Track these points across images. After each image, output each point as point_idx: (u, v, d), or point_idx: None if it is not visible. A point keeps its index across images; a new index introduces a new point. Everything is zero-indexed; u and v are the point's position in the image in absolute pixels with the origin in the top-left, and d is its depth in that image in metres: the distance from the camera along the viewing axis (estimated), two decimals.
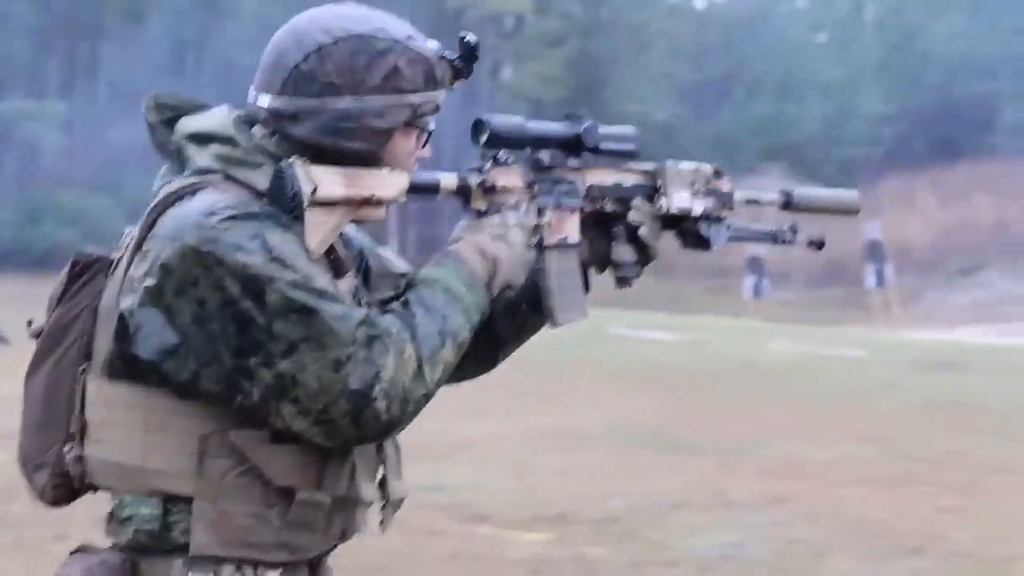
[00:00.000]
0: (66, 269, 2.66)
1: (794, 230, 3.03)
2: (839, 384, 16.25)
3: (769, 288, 30.64)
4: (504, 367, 3.00)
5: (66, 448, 2.61)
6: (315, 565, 2.65)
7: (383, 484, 2.67)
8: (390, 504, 2.69)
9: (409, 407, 2.48)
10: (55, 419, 2.63)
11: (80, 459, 2.60)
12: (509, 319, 2.87)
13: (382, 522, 2.71)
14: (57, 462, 2.62)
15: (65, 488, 2.64)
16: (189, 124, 2.63)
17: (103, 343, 2.58)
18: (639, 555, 8.05)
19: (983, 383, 16.55)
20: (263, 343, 2.44)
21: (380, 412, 2.45)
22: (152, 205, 2.57)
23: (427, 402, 2.53)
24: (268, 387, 2.45)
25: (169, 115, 2.67)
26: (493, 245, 2.68)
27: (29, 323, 2.70)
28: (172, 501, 2.54)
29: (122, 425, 2.56)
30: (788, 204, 3.04)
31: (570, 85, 44.39)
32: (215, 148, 2.58)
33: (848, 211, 3.10)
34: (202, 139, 2.61)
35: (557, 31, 46.64)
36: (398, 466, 2.72)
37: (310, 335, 2.43)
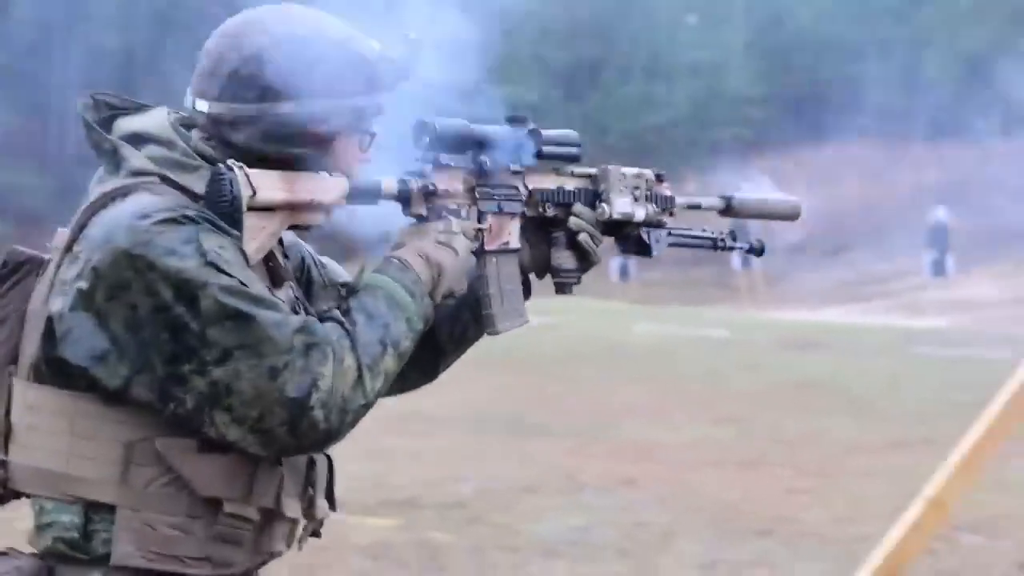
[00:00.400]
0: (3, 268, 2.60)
1: (733, 236, 3.00)
2: (701, 365, 16.24)
3: (636, 270, 30.71)
4: None
5: None
6: None
7: (310, 502, 2.59)
8: (311, 523, 2.62)
9: (348, 416, 2.43)
10: None
11: (4, 464, 2.53)
12: (450, 328, 2.82)
13: (299, 540, 2.64)
14: None
15: None
16: (127, 124, 2.57)
17: (30, 346, 2.51)
18: (484, 540, 7.96)
19: (844, 363, 16.62)
20: (197, 350, 2.38)
21: (318, 421, 2.40)
22: (85, 206, 2.51)
23: (366, 412, 2.47)
24: (202, 395, 2.39)
25: (107, 114, 2.60)
26: (437, 252, 2.62)
27: None
28: (94, 509, 2.48)
29: (47, 430, 2.49)
30: (728, 210, 3.01)
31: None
32: (152, 149, 2.52)
33: (787, 217, 3.06)
34: (139, 140, 2.54)
35: None
36: (326, 484, 2.64)
37: (245, 342, 2.38)
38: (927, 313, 26.36)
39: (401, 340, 2.52)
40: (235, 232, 2.43)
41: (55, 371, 2.47)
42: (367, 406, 2.46)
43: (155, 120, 2.57)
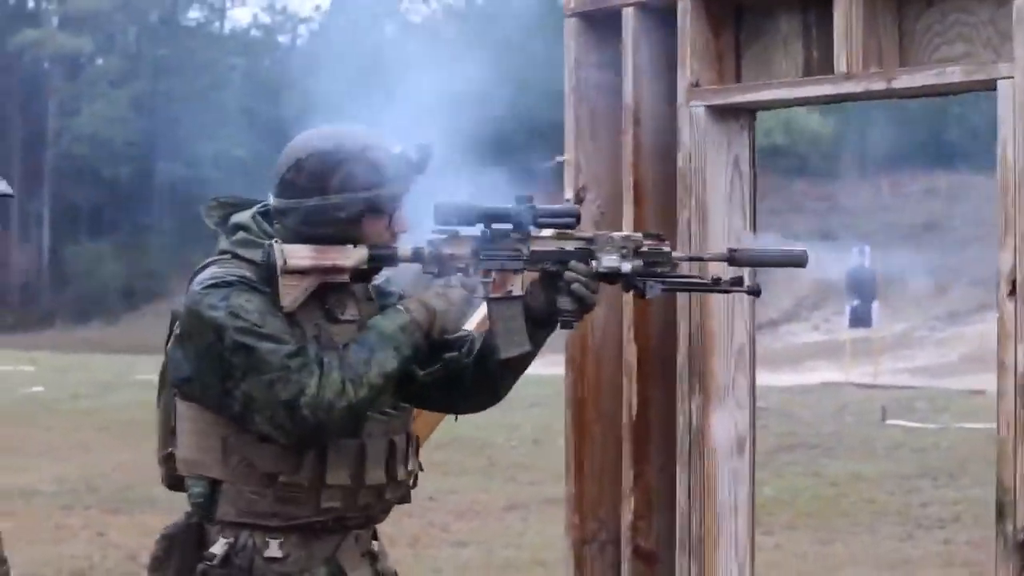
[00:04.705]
0: (168, 322, 3.64)
1: (735, 281, 3.66)
2: None
3: None
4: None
5: (168, 449, 3.64)
6: (317, 531, 3.60)
7: (359, 473, 3.57)
8: (365, 487, 3.59)
9: (334, 414, 3.41)
10: (166, 430, 3.66)
11: (171, 456, 3.64)
12: (494, 359, 3.62)
13: (386, 500, 3.68)
14: (166, 460, 3.67)
15: (172, 477, 3.69)
16: (235, 218, 3.64)
17: None
18: None
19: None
20: (230, 372, 3.43)
21: (307, 417, 3.39)
22: (190, 276, 3.58)
23: (352, 412, 3.44)
24: (240, 403, 3.44)
25: (223, 212, 3.66)
26: (435, 300, 3.57)
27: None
28: (213, 484, 3.57)
29: (187, 431, 3.58)
30: (733, 260, 3.74)
31: (138, 126, 43.77)
32: (240, 234, 3.59)
33: (794, 264, 3.73)
34: (236, 228, 3.61)
35: (120, 70, 45.93)
36: (387, 456, 3.62)
37: (252, 365, 3.41)
38: None
39: (386, 363, 3.48)
40: (265, 289, 3.47)
41: (178, 391, 3.57)
42: (351, 407, 3.43)
43: (247, 214, 3.62)
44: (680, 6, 4.54)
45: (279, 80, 50.31)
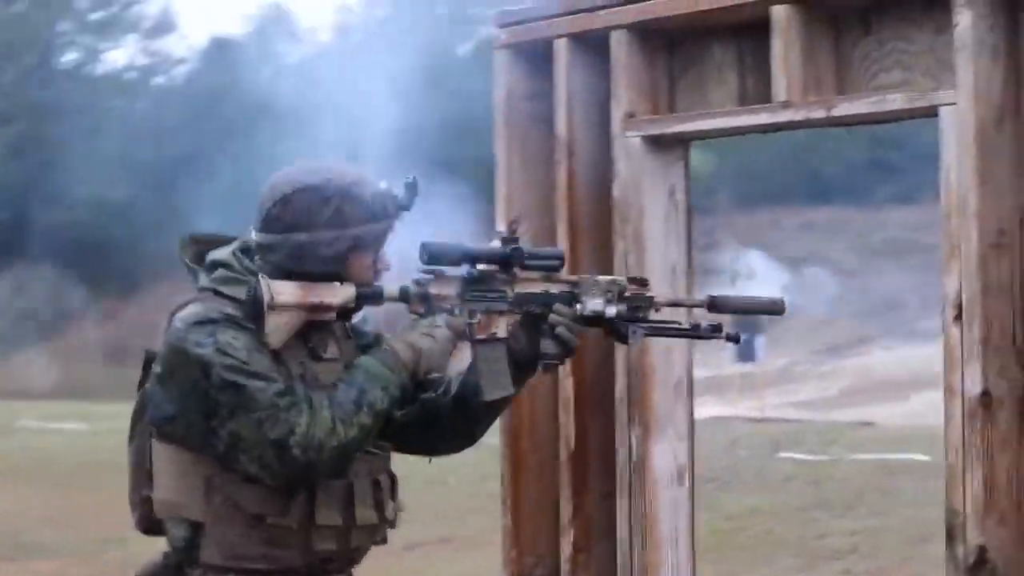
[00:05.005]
0: (142, 361, 3.57)
1: (714, 327, 3.66)
2: None
3: None
4: None
5: (143, 492, 3.54)
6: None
7: (350, 513, 3.50)
8: (356, 527, 3.52)
9: (324, 454, 3.34)
10: (140, 472, 3.56)
11: (147, 499, 3.54)
12: (475, 400, 3.57)
13: (377, 540, 3.61)
14: (141, 502, 3.57)
15: (148, 520, 3.58)
16: (210, 255, 3.55)
17: None
18: None
19: None
20: (216, 410, 3.36)
21: (297, 457, 3.32)
22: (169, 315, 3.49)
23: (342, 451, 3.38)
24: (226, 442, 3.36)
25: (197, 248, 3.59)
26: (420, 339, 3.54)
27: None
28: (194, 526, 3.46)
29: (165, 472, 3.48)
30: (712, 307, 3.70)
31: (14, 169, 43.20)
32: (220, 272, 3.50)
33: (771, 312, 3.75)
34: (215, 265, 3.53)
35: None
36: (374, 496, 3.55)
37: (241, 403, 3.34)
38: None
39: (376, 402, 3.43)
40: (250, 326, 3.38)
41: (158, 431, 3.46)
42: (342, 446, 3.36)
43: (226, 250, 3.54)
44: (614, 37, 4.55)
45: (156, 122, 49.97)
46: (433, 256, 3.52)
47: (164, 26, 52.15)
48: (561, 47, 4.66)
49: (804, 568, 11.62)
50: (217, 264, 3.54)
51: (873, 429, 18.79)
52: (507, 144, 4.83)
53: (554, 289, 3.62)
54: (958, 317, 3.87)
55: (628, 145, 4.54)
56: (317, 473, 3.38)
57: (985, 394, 3.84)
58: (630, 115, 4.54)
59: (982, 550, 3.84)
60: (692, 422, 4.65)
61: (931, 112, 3.95)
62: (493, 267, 3.57)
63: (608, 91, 4.60)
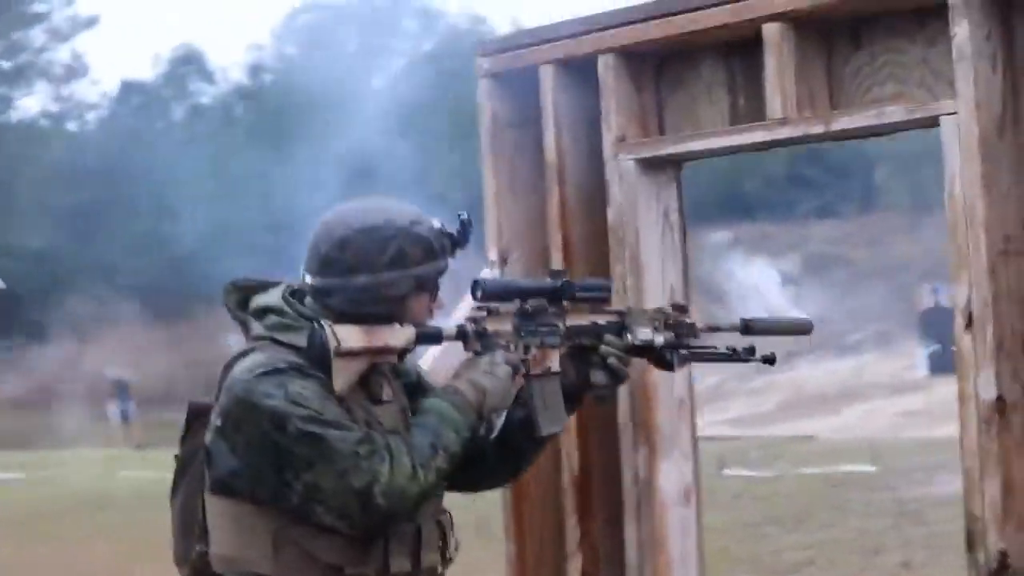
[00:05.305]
0: (185, 415, 3.52)
1: (749, 350, 3.73)
2: None
3: (135, 411, 30.17)
4: None
5: (198, 547, 3.43)
6: None
7: (417, 559, 3.43)
8: (422, 571, 3.45)
9: (406, 502, 3.29)
10: (189, 528, 3.47)
11: (205, 555, 3.43)
12: (524, 435, 3.58)
13: None
14: (193, 559, 3.45)
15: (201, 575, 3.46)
16: (257, 301, 3.47)
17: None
18: None
19: None
20: (292, 462, 3.27)
21: (381, 506, 3.26)
22: (224, 367, 3.40)
23: (424, 497, 3.34)
24: (301, 494, 3.28)
25: (240, 296, 3.50)
26: (483, 379, 3.46)
27: (176, 456, 3.57)
28: None
29: (224, 528, 3.39)
30: (747, 330, 3.83)
31: None
32: (271, 318, 3.42)
33: (800, 332, 3.92)
34: (263, 312, 3.45)
35: None
36: (439, 541, 3.50)
37: (321, 453, 3.25)
38: None
39: (450, 445, 3.37)
40: (320, 375, 3.30)
41: (220, 485, 3.38)
42: (423, 492, 3.32)
43: (274, 295, 3.46)
44: (601, 61, 4.56)
45: (70, 168, 49.59)
46: (488, 293, 3.54)
47: (75, 71, 51.87)
48: (547, 73, 4.67)
49: None
50: (267, 310, 3.47)
51: (814, 443, 18.93)
52: (494, 171, 4.83)
53: (602, 320, 3.66)
54: (969, 325, 3.90)
55: (621, 168, 4.55)
56: (398, 521, 3.35)
57: (1000, 399, 3.87)
58: (621, 139, 4.55)
59: (1003, 555, 3.87)
60: (696, 441, 4.66)
61: (931, 123, 3.99)
62: (542, 301, 3.58)
63: (596, 114, 4.61)
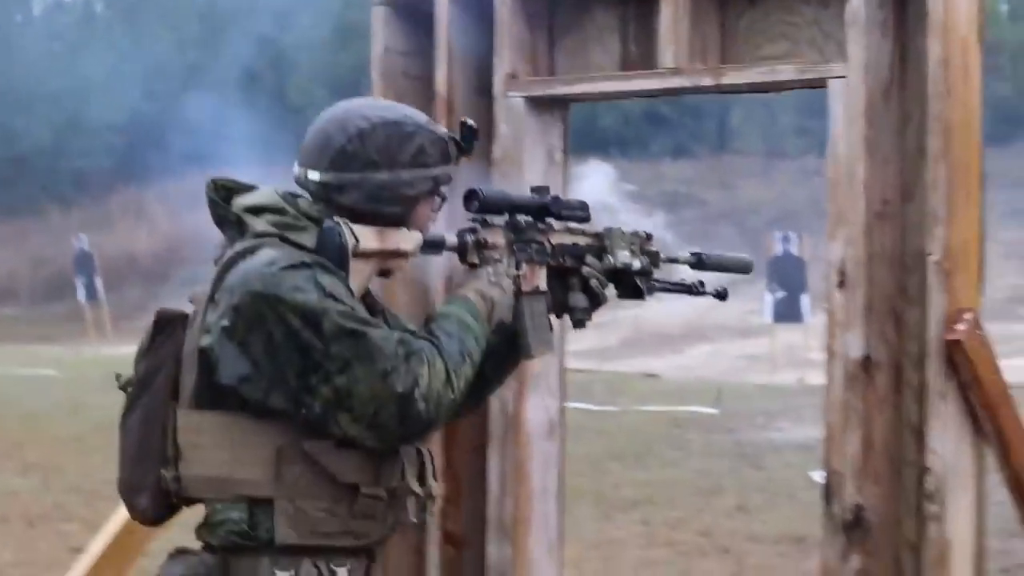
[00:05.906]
0: (150, 324, 3.20)
1: (702, 284, 3.70)
2: (20, 407, 15.74)
3: None
4: None
5: (164, 471, 3.12)
6: (372, 553, 3.20)
7: (424, 481, 3.21)
8: (431, 497, 3.24)
9: (442, 409, 3.06)
10: (150, 450, 3.15)
11: (177, 479, 3.13)
12: (492, 361, 3.36)
13: (424, 512, 3.26)
14: (156, 484, 3.15)
15: (164, 506, 3.19)
16: (243, 200, 3.21)
17: (189, 381, 3.13)
18: None
19: None
20: (322, 364, 2.99)
21: (421, 412, 3.01)
22: (220, 265, 3.11)
23: (454, 407, 3.10)
24: (327, 400, 3.00)
25: (224, 194, 3.23)
26: (490, 289, 3.29)
27: (117, 376, 3.27)
28: (256, 504, 3.07)
29: (211, 446, 3.09)
30: (698, 264, 3.75)
31: None
32: (268, 217, 3.15)
33: (741, 270, 3.85)
34: (256, 211, 3.17)
35: None
36: (433, 466, 3.26)
37: (360, 353, 2.99)
38: None
39: (473, 352, 3.17)
40: (341, 273, 3.06)
41: (213, 396, 3.08)
42: (454, 401, 3.08)
43: (266, 195, 3.21)
44: None
45: None
46: (485, 204, 3.34)
47: None
48: (443, 5, 4.69)
49: (602, 518, 11.82)
50: (262, 209, 3.19)
51: (658, 381, 19.16)
52: (382, 98, 4.84)
53: (582, 241, 3.53)
54: (842, 283, 4.01)
55: (510, 105, 4.59)
56: (431, 430, 3.13)
57: (866, 359, 3.99)
58: (512, 76, 4.59)
59: (859, 508, 4.00)
60: (563, 377, 4.74)
61: (820, 84, 4.08)
62: (528, 218, 3.42)
63: (488, 51, 4.64)
